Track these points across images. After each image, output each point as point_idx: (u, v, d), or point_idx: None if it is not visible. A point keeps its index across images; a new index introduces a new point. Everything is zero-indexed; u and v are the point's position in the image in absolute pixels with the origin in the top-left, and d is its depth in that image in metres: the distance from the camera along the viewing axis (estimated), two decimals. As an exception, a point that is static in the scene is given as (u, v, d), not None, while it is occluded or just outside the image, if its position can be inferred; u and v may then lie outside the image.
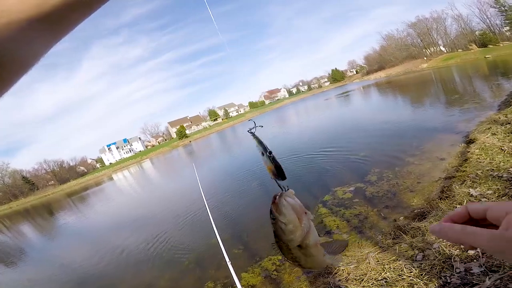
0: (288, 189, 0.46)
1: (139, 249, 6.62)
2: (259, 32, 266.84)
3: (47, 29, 0.27)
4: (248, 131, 0.53)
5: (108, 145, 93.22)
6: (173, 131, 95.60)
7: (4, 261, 10.40)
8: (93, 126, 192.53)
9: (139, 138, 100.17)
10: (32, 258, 10.08)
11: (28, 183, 74.81)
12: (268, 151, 0.46)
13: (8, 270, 9.16)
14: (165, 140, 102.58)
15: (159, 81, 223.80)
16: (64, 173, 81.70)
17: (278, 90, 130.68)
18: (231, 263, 2.40)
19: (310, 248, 0.46)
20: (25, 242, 14.15)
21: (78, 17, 0.29)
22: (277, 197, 0.43)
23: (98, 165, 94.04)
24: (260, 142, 0.48)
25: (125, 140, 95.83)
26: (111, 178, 43.82)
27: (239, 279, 4.04)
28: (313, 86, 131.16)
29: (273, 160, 0.45)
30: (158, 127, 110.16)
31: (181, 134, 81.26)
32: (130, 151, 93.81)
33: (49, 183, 78.39)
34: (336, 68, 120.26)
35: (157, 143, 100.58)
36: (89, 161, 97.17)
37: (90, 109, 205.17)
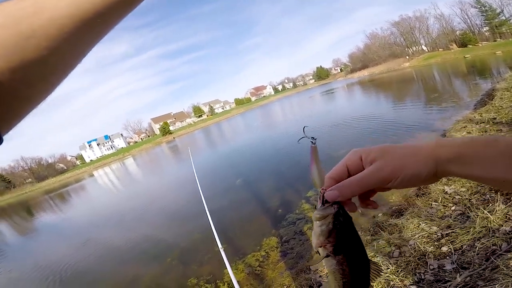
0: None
1: (122, 245, 6.55)
2: (245, 30, 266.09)
3: (89, 27, 0.27)
4: (310, 140, 0.54)
5: (89, 142, 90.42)
6: (157, 127, 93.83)
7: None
8: (74, 123, 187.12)
9: (121, 134, 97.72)
10: (11, 256, 9.75)
11: (4, 181, 72.10)
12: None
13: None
14: (148, 136, 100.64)
15: (143, 77, 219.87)
16: (42, 171, 78.84)
17: (264, 87, 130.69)
18: (221, 251, 2.49)
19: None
20: (2, 240, 13.79)
21: (118, 15, 0.29)
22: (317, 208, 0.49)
23: (78, 162, 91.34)
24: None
25: (106, 137, 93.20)
26: (91, 175, 42.65)
27: (222, 277, 4.04)
28: (298, 83, 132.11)
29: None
30: (141, 123, 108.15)
31: (165, 131, 79.93)
32: (111, 147, 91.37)
33: (27, 181, 75.85)
34: (321, 66, 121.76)
35: (140, 140, 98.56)
36: (68, 158, 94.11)
37: (70, 105, 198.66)
